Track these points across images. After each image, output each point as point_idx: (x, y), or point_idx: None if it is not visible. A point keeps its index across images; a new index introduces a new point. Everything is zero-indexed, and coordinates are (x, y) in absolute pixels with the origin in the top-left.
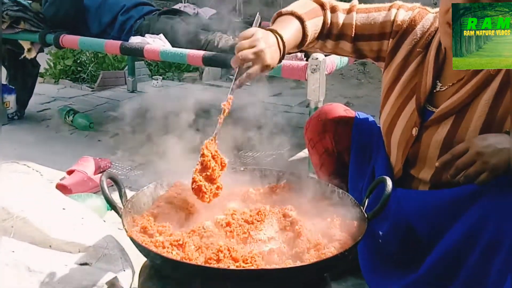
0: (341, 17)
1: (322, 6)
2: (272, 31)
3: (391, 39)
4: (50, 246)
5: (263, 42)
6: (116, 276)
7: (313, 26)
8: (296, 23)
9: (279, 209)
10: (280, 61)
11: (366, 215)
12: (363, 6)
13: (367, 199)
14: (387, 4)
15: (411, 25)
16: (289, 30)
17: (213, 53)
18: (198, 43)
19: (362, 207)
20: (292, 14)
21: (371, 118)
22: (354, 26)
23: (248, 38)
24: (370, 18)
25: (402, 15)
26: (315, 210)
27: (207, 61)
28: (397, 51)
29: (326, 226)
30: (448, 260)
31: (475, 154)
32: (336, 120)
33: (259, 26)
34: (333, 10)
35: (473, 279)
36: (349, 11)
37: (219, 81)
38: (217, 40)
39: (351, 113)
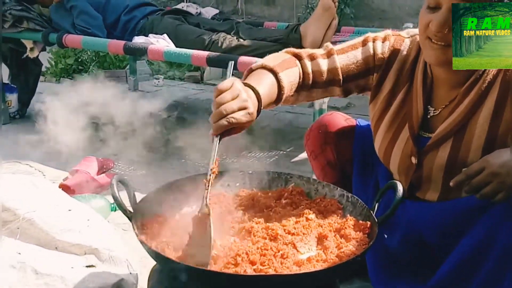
0: (323, 63)
1: (297, 56)
2: (248, 85)
3: (375, 74)
4: (56, 248)
5: (249, 100)
6: (122, 278)
7: (289, 77)
8: (270, 76)
9: (300, 212)
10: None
11: (376, 220)
12: (338, 47)
13: (377, 204)
14: (360, 39)
15: (392, 55)
16: (264, 84)
17: (217, 53)
18: (202, 43)
19: (372, 212)
20: (263, 67)
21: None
22: (339, 69)
23: (226, 91)
24: (350, 57)
25: (380, 47)
26: (325, 213)
27: (211, 62)
28: (383, 83)
29: (340, 227)
30: (461, 270)
31: (490, 174)
32: (337, 131)
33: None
34: (312, 58)
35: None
36: (328, 55)
37: (220, 80)
38: (221, 41)
39: (351, 122)
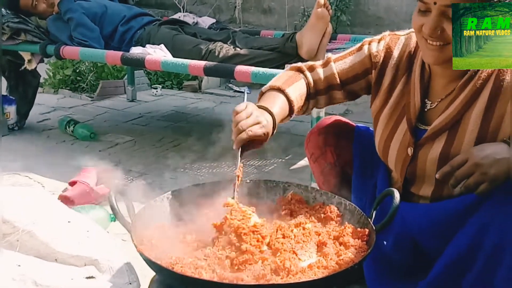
0: (321, 72)
1: (299, 70)
2: (261, 107)
3: (373, 71)
4: (56, 259)
5: (262, 116)
6: None
7: (296, 91)
8: (279, 95)
9: (296, 223)
10: (272, 133)
11: (374, 227)
12: (336, 55)
13: (374, 211)
14: (357, 45)
15: (388, 52)
16: (275, 103)
17: (214, 63)
18: (198, 53)
19: (369, 219)
20: (272, 88)
21: (370, 129)
22: (336, 74)
23: (241, 112)
24: (347, 62)
25: (375, 47)
26: (324, 221)
27: (208, 71)
28: (382, 79)
29: (338, 234)
30: (453, 270)
31: (473, 165)
32: (337, 133)
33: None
34: (312, 69)
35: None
36: (326, 64)
37: (218, 89)
38: (217, 50)
39: (351, 125)
